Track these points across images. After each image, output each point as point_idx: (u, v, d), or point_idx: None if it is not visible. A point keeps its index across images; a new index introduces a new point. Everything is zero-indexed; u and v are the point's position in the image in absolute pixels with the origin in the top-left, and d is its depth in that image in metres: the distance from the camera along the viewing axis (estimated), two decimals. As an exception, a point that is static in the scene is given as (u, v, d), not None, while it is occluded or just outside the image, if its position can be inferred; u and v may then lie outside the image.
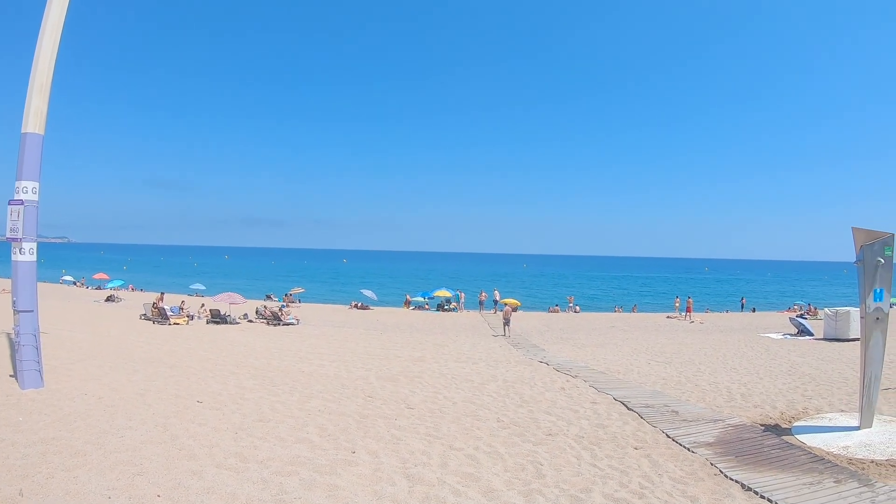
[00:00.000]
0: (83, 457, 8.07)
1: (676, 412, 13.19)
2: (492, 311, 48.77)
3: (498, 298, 50.87)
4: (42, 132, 12.05)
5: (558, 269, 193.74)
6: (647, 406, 13.79)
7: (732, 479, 8.80)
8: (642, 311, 55.07)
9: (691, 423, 12.19)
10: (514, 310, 50.69)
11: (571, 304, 54.94)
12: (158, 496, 6.94)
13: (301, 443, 9.71)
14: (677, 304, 51.82)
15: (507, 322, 32.73)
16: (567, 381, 17.15)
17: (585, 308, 57.68)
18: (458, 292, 54.90)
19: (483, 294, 51.33)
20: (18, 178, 11.83)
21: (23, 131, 11.84)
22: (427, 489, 7.92)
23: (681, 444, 10.68)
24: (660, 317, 47.50)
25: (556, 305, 55.20)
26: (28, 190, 11.85)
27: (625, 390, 15.75)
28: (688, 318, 44.48)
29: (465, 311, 49.89)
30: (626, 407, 13.74)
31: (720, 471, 9.20)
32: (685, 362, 21.24)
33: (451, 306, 51.29)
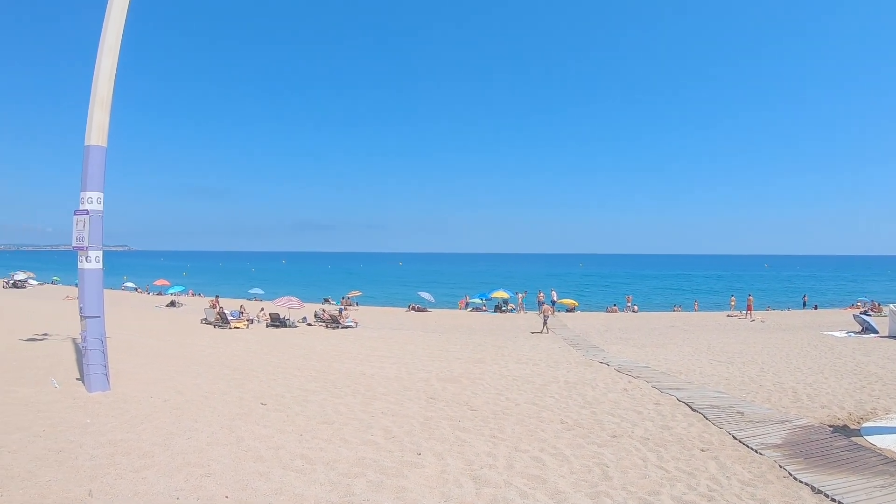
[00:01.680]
0: (151, 458, 8.17)
1: (742, 413, 12.84)
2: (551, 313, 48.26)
3: (555, 299, 50.31)
4: (105, 144, 12.35)
5: (614, 269, 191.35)
6: (712, 407, 13.46)
7: (802, 482, 8.56)
8: (702, 310, 53.84)
9: (758, 425, 11.86)
10: (571, 310, 50.40)
11: (630, 304, 54.07)
12: (227, 497, 6.96)
13: (366, 445, 9.68)
14: (733, 303, 50.64)
15: (545, 321, 35.27)
16: (629, 381, 16.85)
17: (644, 307, 56.79)
18: (516, 293, 54.54)
19: (542, 294, 50.89)
20: (83, 189, 12.15)
21: (86, 144, 12.16)
22: (494, 491, 7.81)
23: (748, 446, 10.40)
24: (720, 315, 46.37)
25: (615, 305, 54.46)
26: (93, 200, 12.16)
27: (688, 391, 15.41)
28: (749, 316, 43.23)
29: (523, 312, 49.51)
30: (691, 408, 13.43)
31: (789, 473, 8.96)
32: (748, 362, 20.71)
33: (509, 307, 50.97)
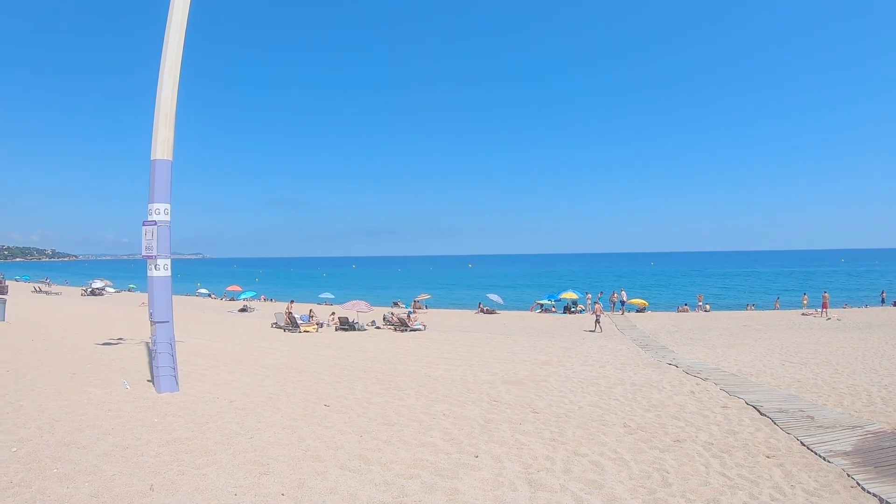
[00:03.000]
0: (213, 456, 8.49)
1: (812, 417, 12.41)
2: (619, 313, 47.69)
3: (625, 299, 49.67)
4: (170, 158, 12.90)
5: (686, 267, 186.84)
6: (781, 411, 13.06)
7: (870, 493, 8.17)
8: (775, 309, 52.27)
9: (827, 430, 11.42)
10: (642, 310, 49.71)
11: (701, 303, 52.87)
12: (283, 495, 7.17)
13: (424, 446, 9.79)
14: (805, 302, 49.14)
15: (598, 320, 36.83)
16: (697, 384, 16.52)
17: (716, 307, 55.50)
18: (585, 294, 54.10)
19: (615, 295, 50.28)
20: (151, 201, 12.74)
21: (152, 158, 12.73)
22: (549, 496, 7.79)
23: (815, 453, 10.03)
24: (794, 314, 44.95)
25: (686, 304, 53.43)
26: (160, 211, 12.74)
27: (757, 394, 15.00)
28: (824, 314, 41.82)
29: (591, 314, 49.02)
30: (759, 412, 13.07)
31: (857, 483, 8.56)
32: (821, 363, 20.04)
33: (578, 308, 50.55)
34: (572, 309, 50.21)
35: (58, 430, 9.44)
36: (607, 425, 11.84)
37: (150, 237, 12.74)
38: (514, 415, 12.49)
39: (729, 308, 56.72)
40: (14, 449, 8.42)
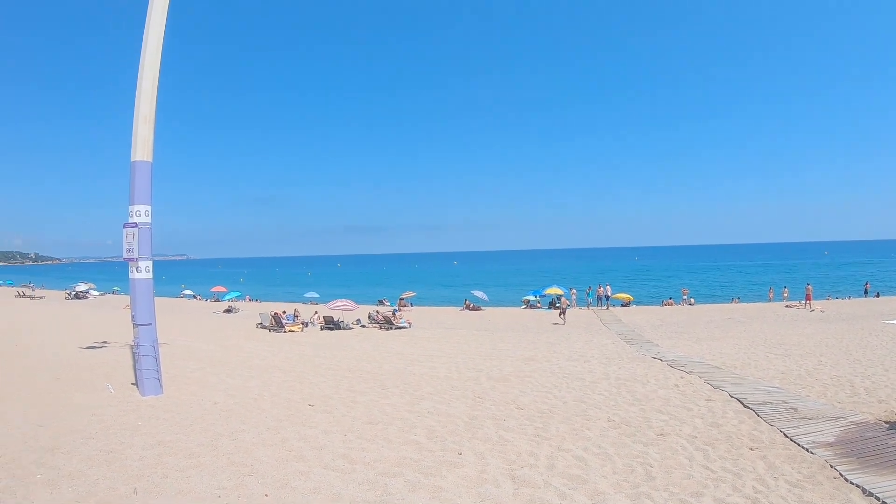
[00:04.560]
0: (196, 458, 8.57)
1: (795, 409, 12.56)
2: (604, 308, 47.95)
3: (610, 294, 50.01)
4: (150, 159, 12.97)
5: (670, 262, 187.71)
6: (765, 403, 13.22)
7: (853, 483, 8.28)
8: (759, 302, 52.77)
9: (810, 421, 11.58)
10: (626, 304, 50.18)
11: (686, 297, 53.38)
12: (266, 496, 7.26)
13: (408, 444, 9.89)
14: (786, 294, 50.30)
15: (562, 313, 38.61)
16: (681, 377, 16.68)
17: (701, 300, 55.98)
18: (570, 290, 54.34)
19: (601, 289, 50.56)
20: (131, 203, 12.82)
21: (132, 160, 12.81)
22: (532, 491, 7.88)
23: (799, 445, 10.16)
24: (778, 306, 45.56)
25: (670, 298, 53.94)
26: (141, 213, 12.81)
27: (741, 386, 15.18)
28: (808, 306, 42.38)
29: (576, 308, 49.28)
30: (743, 404, 13.22)
31: (840, 474, 8.68)
32: (805, 354, 20.28)
33: (567, 303, 50.83)
34: (557, 304, 50.45)
35: (41, 436, 9.48)
36: (591, 420, 11.96)
37: (132, 239, 12.80)
38: (499, 411, 12.60)
39: (713, 301, 57.14)
40: (-2, 456, 8.45)
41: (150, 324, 12.92)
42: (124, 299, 62.49)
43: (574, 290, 54.20)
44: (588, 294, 51.32)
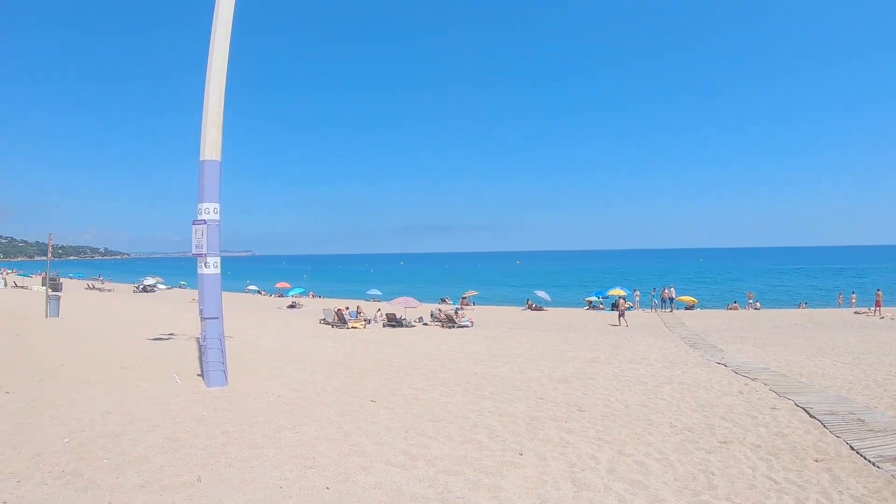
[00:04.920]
0: (260, 449, 8.67)
1: (862, 421, 12.01)
2: (668, 310, 47.10)
3: (674, 296, 49.06)
4: (219, 158, 13.30)
5: (736, 263, 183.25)
6: (831, 413, 12.69)
7: None
8: (828, 308, 51.06)
9: (878, 434, 11.05)
10: (691, 307, 49.19)
11: (751, 301, 51.99)
12: (327, 489, 7.28)
13: (469, 443, 9.82)
14: (854, 300, 48.65)
15: (622, 314, 38.29)
16: (745, 384, 16.20)
17: (767, 304, 54.47)
18: (633, 291, 53.52)
19: (666, 291, 49.66)
20: (200, 201, 13.15)
21: (201, 159, 13.17)
22: (592, 495, 7.71)
23: (865, 458, 9.70)
24: (847, 312, 43.93)
25: (735, 302, 52.63)
26: (209, 210, 13.14)
27: (807, 395, 14.62)
28: (878, 313, 40.68)
29: (640, 311, 48.56)
30: (808, 414, 12.72)
31: None
32: (874, 364, 19.45)
33: (626, 305, 50.11)
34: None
35: (109, 422, 9.77)
36: (654, 425, 11.71)
37: (200, 236, 13.11)
38: (561, 413, 12.44)
39: (780, 306, 55.66)
40: (66, 440, 8.72)
41: (217, 317, 13.22)
42: (191, 293, 64.19)
43: (637, 292, 53.30)
44: (653, 296, 50.41)
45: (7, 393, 11.55)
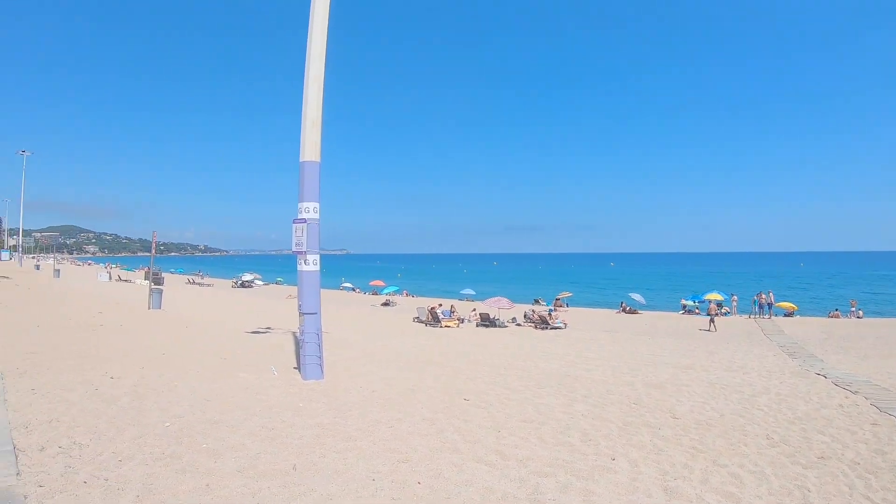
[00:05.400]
0: (353, 442, 8.86)
1: None
2: (766, 317, 45.30)
3: (772, 301, 47.03)
4: (318, 160, 13.71)
5: (839, 268, 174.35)
6: (935, 433, 11.91)
7: None
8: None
9: None
10: (790, 314, 47.12)
11: (854, 309, 49.24)
12: (419, 483, 7.36)
13: (562, 445, 9.73)
14: None
15: (712, 320, 37.82)
16: (846, 397, 15.41)
17: (870, 313, 51.32)
18: (731, 296, 51.71)
19: (763, 296, 47.65)
20: (300, 200, 13.59)
21: (301, 160, 13.60)
22: (684, 505, 7.57)
23: None
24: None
25: (837, 310, 49.84)
26: (310, 210, 13.55)
27: (910, 411, 13.81)
28: None
29: (737, 316, 46.98)
30: (910, 431, 12.02)
31: None
32: None
33: (723, 310, 48.51)
34: (717, 311, 48.25)
35: (208, 409, 10.18)
36: (749, 436, 11.31)
37: (300, 234, 13.53)
38: (654, 419, 12.19)
39: (884, 315, 52.81)
40: (168, 424, 9.15)
41: (315, 313, 13.60)
42: (287, 289, 65.94)
43: (735, 297, 51.48)
44: (753, 302, 48.44)
45: (111, 378, 12.17)
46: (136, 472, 7.10)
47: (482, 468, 8.15)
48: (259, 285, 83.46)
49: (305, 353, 13.38)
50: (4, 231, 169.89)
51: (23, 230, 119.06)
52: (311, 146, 13.51)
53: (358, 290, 78.41)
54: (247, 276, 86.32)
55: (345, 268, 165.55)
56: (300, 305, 13.65)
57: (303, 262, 13.61)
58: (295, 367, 14.37)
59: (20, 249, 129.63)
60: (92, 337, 18.12)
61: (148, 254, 42.10)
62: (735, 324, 41.68)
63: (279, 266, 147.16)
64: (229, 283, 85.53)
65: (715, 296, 49.06)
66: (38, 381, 11.60)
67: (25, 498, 6.17)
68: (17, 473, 6.76)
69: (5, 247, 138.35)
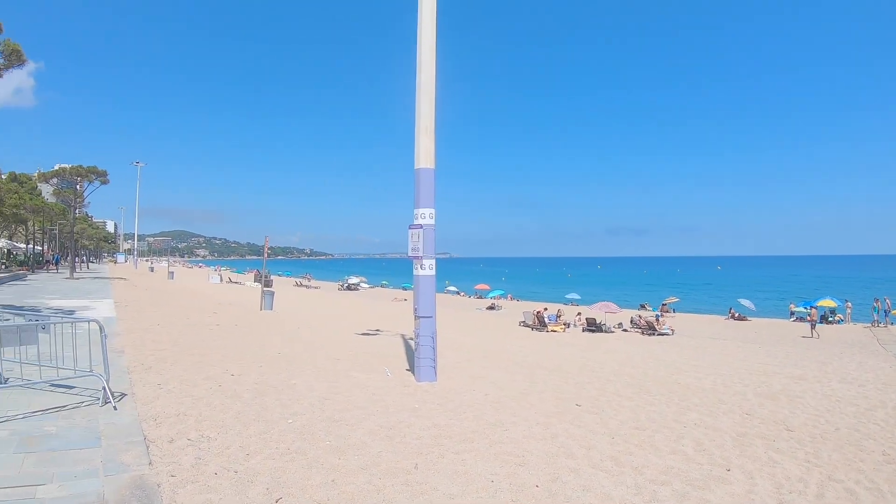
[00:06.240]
0: (471, 443, 9.06)
1: None
2: (882, 325, 42.96)
3: (889, 308, 44.44)
4: (433, 166, 14.06)
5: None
6: None
7: None
8: None
9: None
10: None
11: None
12: (537, 486, 7.48)
13: (675, 454, 9.66)
14: None
15: (813, 326, 37.27)
16: (967, 413, 14.59)
17: None
18: (845, 302, 49.28)
19: (878, 302, 44.96)
20: (416, 206, 13.96)
21: (416, 167, 14.00)
22: (799, 519, 7.39)
23: None
24: None
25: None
26: (426, 216, 13.89)
27: None
28: None
29: (851, 324, 44.83)
30: None
31: None
32: None
33: (836, 318, 46.34)
34: (829, 319, 46.13)
35: (327, 408, 10.60)
36: (865, 451, 10.90)
37: (417, 239, 13.90)
38: (768, 431, 11.89)
39: None
40: (290, 420, 9.61)
41: (430, 316, 13.95)
42: (392, 292, 67.28)
43: (849, 304, 49.05)
44: (874, 309, 45.95)
45: (232, 375, 12.84)
46: (265, 466, 7.50)
47: (599, 474, 8.19)
48: (364, 288, 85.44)
49: (420, 356, 13.71)
50: (120, 236, 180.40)
51: (137, 235, 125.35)
52: (425, 153, 13.85)
53: (463, 293, 79.10)
54: (353, 279, 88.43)
55: (449, 271, 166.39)
56: (416, 309, 14.03)
57: (419, 266, 13.96)
58: (407, 369, 14.78)
59: (135, 253, 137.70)
60: (210, 335, 19.08)
61: (255, 257, 43.67)
62: (849, 331, 39.94)
63: (383, 269, 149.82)
64: (335, 285, 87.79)
65: (828, 302, 46.88)
66: (164, 376, 12.32)
67: (159, 486, 6.59)
68: (150, 463, 7.21)
69: (121, 250, 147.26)
